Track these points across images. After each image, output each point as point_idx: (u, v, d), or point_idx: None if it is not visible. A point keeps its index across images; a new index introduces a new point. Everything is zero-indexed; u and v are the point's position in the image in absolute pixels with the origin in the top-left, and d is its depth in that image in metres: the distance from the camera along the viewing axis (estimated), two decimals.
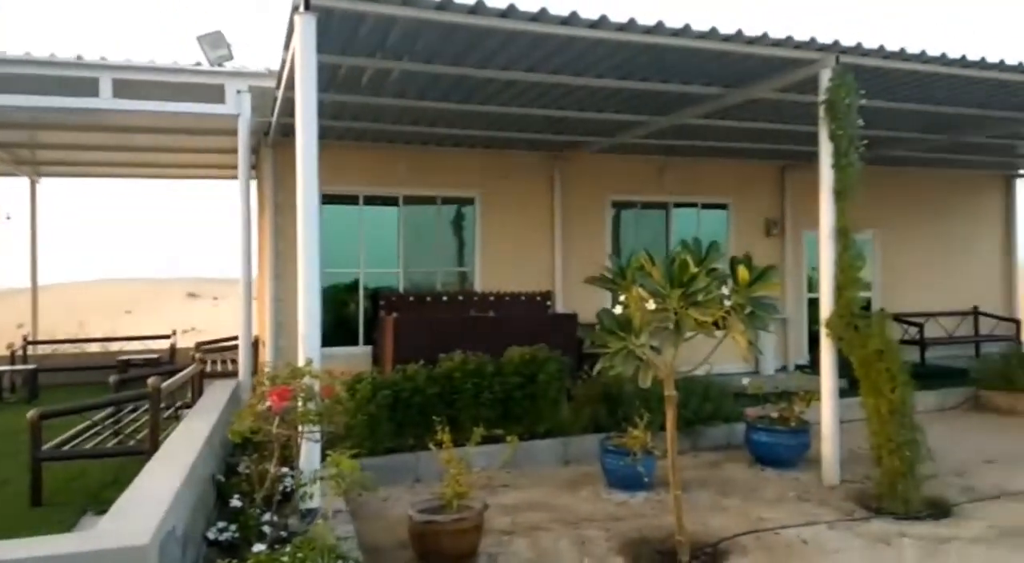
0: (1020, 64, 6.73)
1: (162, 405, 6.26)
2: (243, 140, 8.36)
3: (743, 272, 4.27)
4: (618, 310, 4.62)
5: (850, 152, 6.03)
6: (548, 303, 10.90)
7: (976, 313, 14.00)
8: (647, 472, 5.89)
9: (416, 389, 6.60)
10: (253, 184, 11.49)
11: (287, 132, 9.43)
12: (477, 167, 10.84)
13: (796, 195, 12.80)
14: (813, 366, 11.70)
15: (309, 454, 4.71)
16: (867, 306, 13.33)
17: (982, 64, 6.62)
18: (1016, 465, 6.61)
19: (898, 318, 13.08)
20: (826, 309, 6.22)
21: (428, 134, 9.67)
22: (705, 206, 12.38)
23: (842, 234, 6.11)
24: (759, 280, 4.31)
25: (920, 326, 12.59)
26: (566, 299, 10.97)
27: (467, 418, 6.79)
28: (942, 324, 13.60)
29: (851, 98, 5.99)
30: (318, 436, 4.54)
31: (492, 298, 10.48)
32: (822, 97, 6.14)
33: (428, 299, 10.37)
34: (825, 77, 6.13)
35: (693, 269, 4.30)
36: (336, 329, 10.48)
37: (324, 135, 9.64)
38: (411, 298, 10.29)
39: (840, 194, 6.10)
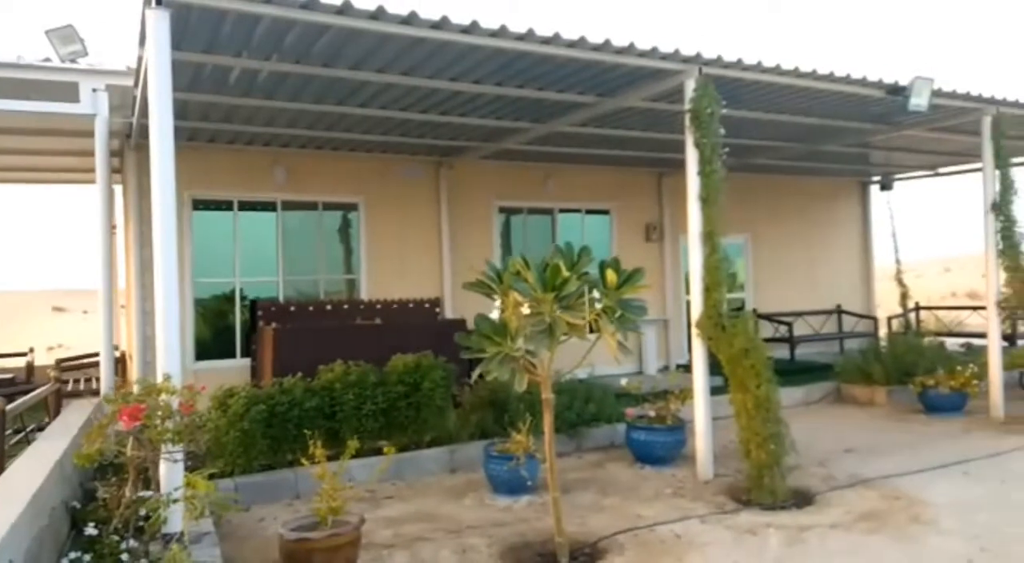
0: (864, 78, 7.26)
1: (11, 429, 5.74)
2: (100, 142, 7.80)
3: (611, 275, 4.36)
4: (495, 315, 4.62)
5: (714, 160, 6.30)
6: (437, 310, 10.80)
7: (840, 312, 15.02)
8: (530, 476, 5.91)
9: (293, 402, 6.35)
10: (120, 189, 10.83)
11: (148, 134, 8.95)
12: (360, 172, 10.63)
13: (673, 201, 13.30)
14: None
15: (169, 475, 4.42)
16: (741, 307, 14.09)
17: (830, 77, 7.10)
18: (871, 453, 7.08)
19: (769, 317, 13.85)
20: (696, 310, 6.46)
21: (306, 137, 9.40)
22: (589, 211, 12.67)
23: (708, 238, 6.37)
24: (627, 282, 4.41)
25: (789, 324, 13.34)
26: (455, 305, 10.92)
27: (349, 430, 6.61)
28: (809, 322, 14.50)
29: (713, 108, 6.26)
30: (179, 456, 4.28)
31: (379, 306, 10.28)
32: (687, 107, 6.39)
33: (311, 308, 10.02)
34: (689, 87, 6.39)
35: (565, 273, 4.35)
36: (213, 342, 10.00)
37: (193, 137, 9.29)
38: (292, 308, 9.91)
39: (706, 200, 6.37)
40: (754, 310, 14.03)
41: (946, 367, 9.09)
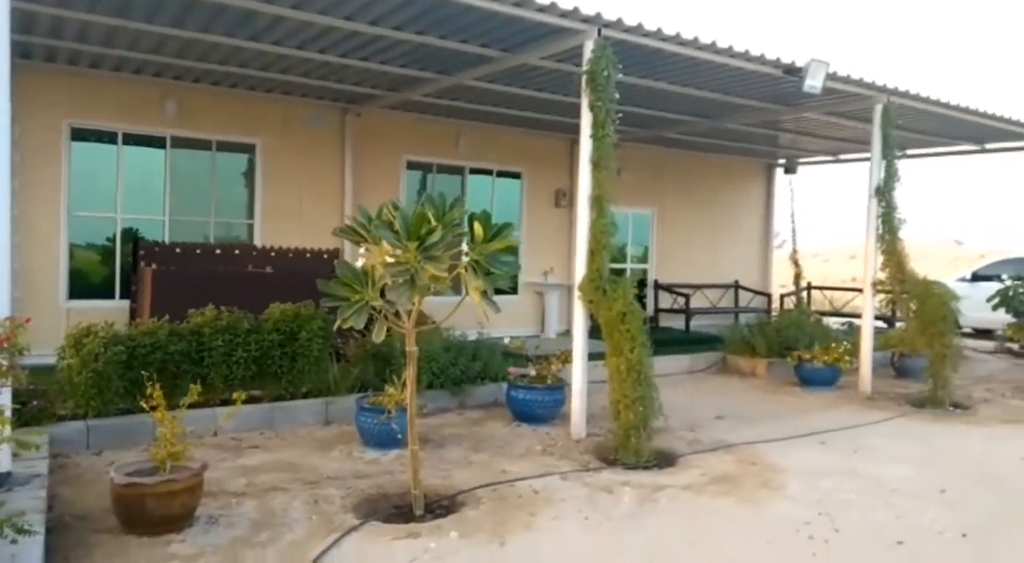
0: (762, 56, 7.36)
1: None
2: None
3: (479, 228, 4.27)
4: (360, 263, 4.48)
5: (607, 124, 6.27)
6: (336, 261, 10.48)
7: (737, 287, 15.51)
8: (401, 429, 5.82)
9: (156, 345, 6.05)
10: None
11: (26, 53, 8.27)
12: (258, 112, 10.16)
13: None
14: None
15: None
16: (643, 279, 14.37)
17: (729, 52, 7.17)
18: (740, 421, 7.34)
19: (669, 288, 14.18)
20: (580, 274, 6.47)
21: (199, 70, 8.87)
22: (500, 174, 12.55)
23: (596, 202, 6.37)
24: (496, 236, 4.33)
25: (687, 296, 13.68)
26: (355, 257, 10.64)
27: (218, 377, 6.38)
28: (708, 296, 14.92)
29: (610, 71, 6.21)
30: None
31: (273, 254, 9.88)
32: (584, 68, 6.32)
33: (198, 251, 9.51)
34: (588, 49, 6.31)
35: (432, 223, 4.23)
36: (90, 281, 9.46)
37: (74, 61, 8.63)
38: (177, 249, 9.37)
39: (596, 164, 6.35)
40: (655, 281, 14.33)
41: (823, 343, 9.50)
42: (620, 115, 6.43)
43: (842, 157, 14.80)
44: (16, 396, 5.49)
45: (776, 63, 7.62)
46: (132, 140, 9.54)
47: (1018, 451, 6.40)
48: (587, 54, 6.32)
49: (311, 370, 6.78)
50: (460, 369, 7.46)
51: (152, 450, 4.24)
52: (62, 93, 8.96)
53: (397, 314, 4.48)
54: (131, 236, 9.53)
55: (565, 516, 4.56)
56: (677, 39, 6.83)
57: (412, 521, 4.45)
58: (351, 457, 5.77)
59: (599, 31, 6.31)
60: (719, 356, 10.65)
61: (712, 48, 7.07)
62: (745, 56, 7.31)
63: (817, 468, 5.74)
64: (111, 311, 9.03)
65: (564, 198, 13.08)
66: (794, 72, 7.69)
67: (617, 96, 6.33)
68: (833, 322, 12.44)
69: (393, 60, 8.08)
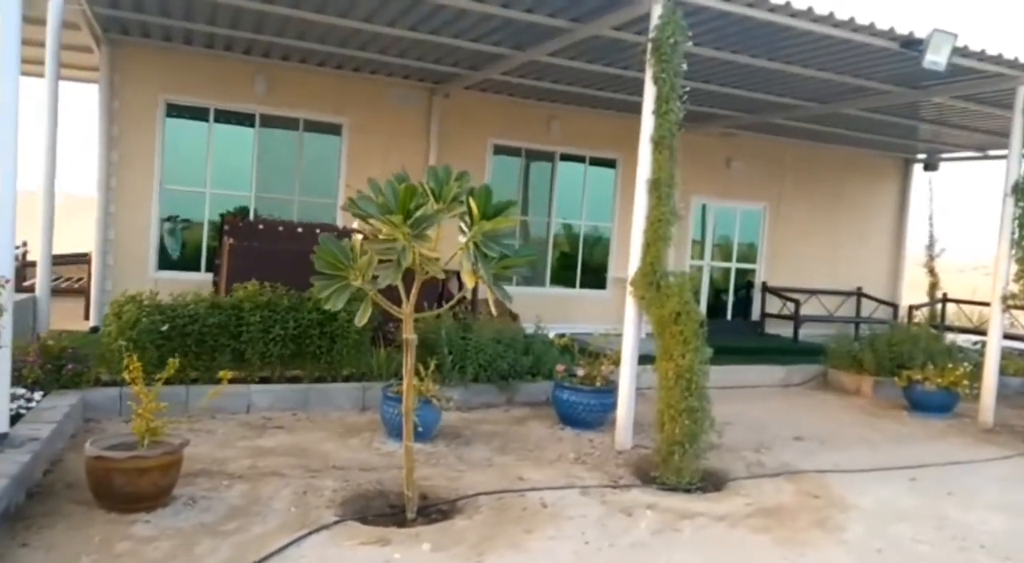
0: (872, 25, 6.35)
1: None
2: (53, 32, 7.45)
3: (475, 205, 3.79)
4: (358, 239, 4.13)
5: (671, 98, 5.59)
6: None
7: (859, 294, 14.04)
8: (423, 423, 5.46)
9: (194, 317, 6.02)
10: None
11: (124, 29, 8.59)
12: (346, 91, 10.12)
13: (687, 158, 12.37)
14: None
15: None
16: (751, 280, 13.28)
17: (830, 19, 6.24)
18: (821, 444, 6.43)
19: (778, 292, 13.02)
20: (634, 266, 5.83)
21: (287, 47, 8.88)
22: (593, 161, 11.91)
23: (656, 186, 5.71)
24: (497, 214, 3.84)
25: (796, 302, 12.49)
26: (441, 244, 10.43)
27: (255, 354, 6.28)
28: (824, 303, 13.58)
29: (677, 38, 5.52)
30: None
31: (353, 235, 9.85)
32: (650, 35, 5.66)
33: (280, 229, 9.57)
34: (655, 14, 5.64)
35: (428, 197, 3.81)
36: (179, 252, 9.80)
37: (168, 37, 8.89)
38: (261, 226, 9.51)
39: (658, 143, 5.68)
40: (764, 283, 13.21)
41: (943, 362, 8.24)
42: (687, 89, 5.72)
43: (991, 153, 12.97)
44: (53, 358, 5.62)
45: (891, 34, 6.58)
46: (223, 117, 9.76)
47: None
48: (654, 20, 5.65)
49: (351, 353, 6.56)
50: (508, 363, 7.01)
51: (132, 424, 4.09)
52: (158, 68, 9.26)
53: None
54: (221, 212, 9.77)
55: (564, 537, 4.01)
56: (766, 5, 6.01)
57: (397, 524, 4.07)
58: (369, 447, 5.48)
59: None
60: (819, 369, 9.55)
61: (809, 15, 6.18)
62: (851, 25, 6.34)
63: (894, 509, 4.84)
64: (196, 283, 9.22)
65: None
66: (913, 45, 6.61)
67: (684, 67, 5.63)
68: (966, 340, 10.91)
69: (463, 34, 7.71)
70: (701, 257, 12.98)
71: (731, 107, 10.48)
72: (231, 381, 6.26)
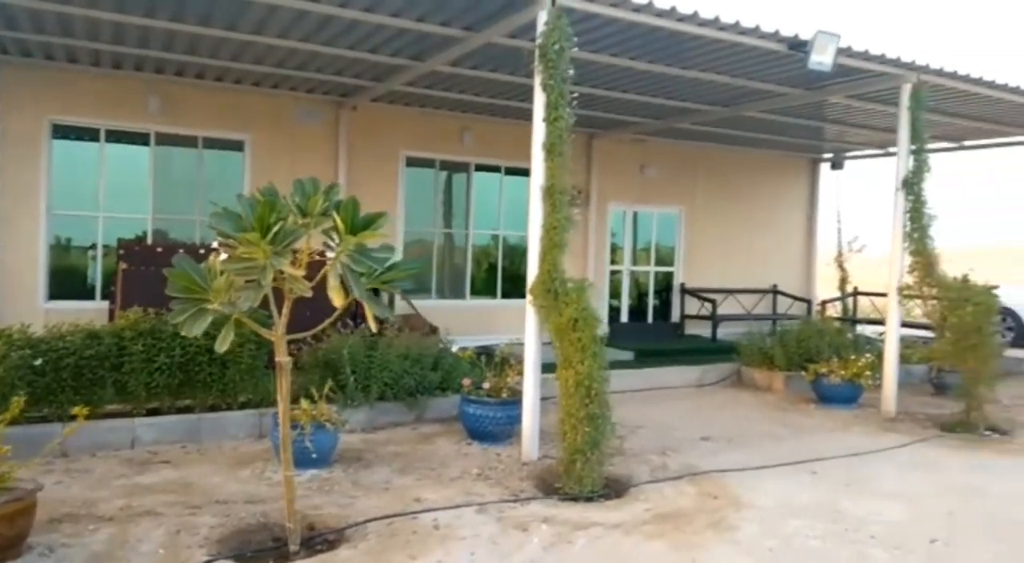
0: (758, 28, 6.46)
1: None
2: None
3: (340, 219, 3.63)
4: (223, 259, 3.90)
5: (560, 105, 5.53)
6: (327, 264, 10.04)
7: (775, 292, 14.35)
8: (316, 449, 5.24)
9: (70, 350, 5.65)
10: None
11: (3, 49, 8.11)
12: (247, 106, 9.79)
13: (603, 165, 12.56)
14: (611, 339, 11.53)
15: None
16: (669, 282, 13.44)
17: (715, 23, 6.30)
18: (728, 443, 6.47)
19: (696, 293, 13.20)
20: (533, 274, 5.74)
21: (183, 63, 8.53)
22: (509, 171, 11.86)
23: (549, 193, 5.63)
24: (365, 228, 3.68)
25: (713, 302, 12.69)
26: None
27: (139, 385, 5.94)
28: (742, 301, 13.83)
29: (562, 44, 5.47)
30: None
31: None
32: (537, 42, 5.60)
33: (181, 251, 9.23)
34: (541, 20, 5.59)
35: (291, 210, 3.63)
36: (71, 281, 9.28)
37: (51, 55, 8.42)
38: (159, 249, 9.09)
39: (549, 150, 5.61)
40: (682, 285, 13.37)
41: (846, 355, 8.44)
42: (576, 95, 5.67)
43: (891, 150, 13.47)
44: None
45: (777, 37, 6.71)
46: (115, 137, 9.31)
47: None
48: (540, 26, 5.61)
49: (245, 378, 6.27)
50: (415, 379, 6.84)
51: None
52: (42, 89, 8.78)
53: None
54: (117, 238, 9.30)
55: (451, 558, 3.86)
56: (653, 10, 6.04)
57: (277, 559, 3.86)
58: (260, 478, 5.22)
59: (553, 1, 5.57)
60: (733, 367, 9.68)
61: (695, 19, 6.24)
62: (737, 28, 6.43)
63: (792, 504, 4.86)
64: (90, 312, 8.77)
65: (580, 196, 12.27)
66: (799, 46, 6.76)
67: (572, 73, 5.59)
68: (875, 332, 11.24)
69: (359, 45, 7.54)
70: (622, 262, 13.08)
71: (640, 113, 10.59)
72: (112, 415, 6.01)
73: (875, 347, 9.12)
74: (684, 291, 13.31)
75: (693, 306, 13.24)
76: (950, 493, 5.20)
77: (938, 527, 4.49)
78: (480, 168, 11.63)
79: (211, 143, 9.80)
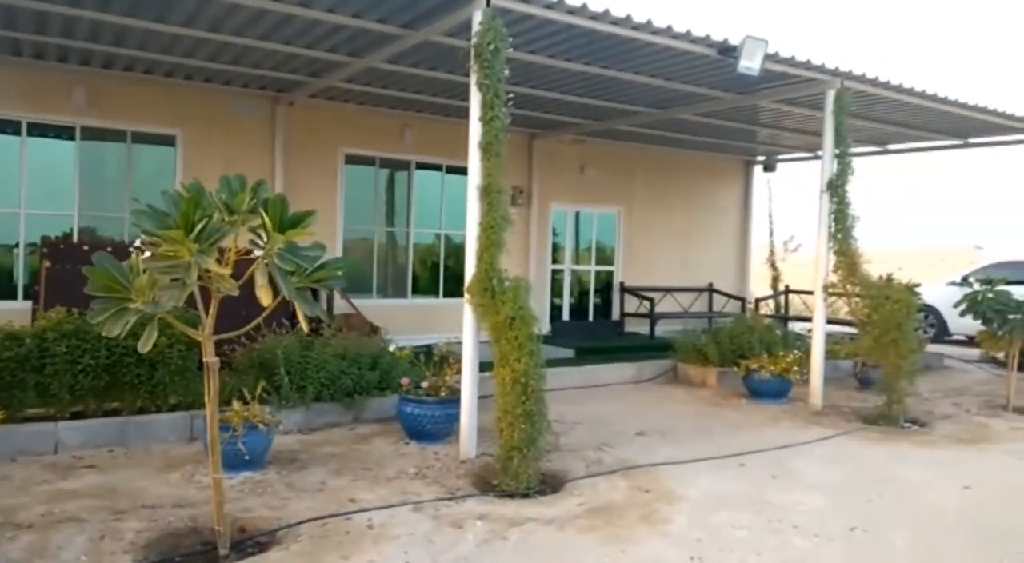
0: (688, 33, 6.63)
1: None
2: None
3: (267, 217, 3.58)
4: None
5: (496, 105, 5.56)
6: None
7: (711, 290, 14.71)
8: (250, 450, 5.15)
9: None
10: None
11: None
12: (178, 100, 9.52)
13: (544, 165, 12.65)
14: (553, 337, 11.63)
15: None
16: (609, 281, 13.64)
17: (648, 27, 6.45)
18: (662, 438, 6.61)
19: (635, 292, 13.42)
20: (470, 273, 5.76)
21: (110, 55, 8.23)
22: (450, 169, 11.83)
23: (486, 192, 5.66)
24: (294, 226, 3.64)
25: (651, 300, 12.93)
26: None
27: (62, 387, 5.73)
28: (679, 300, 14.13)
29: (498, 44, 5.51)
30: None
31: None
32: (472, 42, 5.63)
33: (109, 249, 8.91)
34: (476, 20, 5.62)
35: (217, 207, 3.56)
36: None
37: None
38: (85, 246, 8.76)
39: (486, 150, 5.64)
40: (621, 284, 13.58)
41: (776, 351, 8.71)
42: (512, 95, 5.71)
43: (819, 153, 13.92)
44: None
45: (708, 41, 6.88)
46: (37, 130, 8.95)
47: (962, 479, 5.60)
48: (475, 26, 5.63)
49: (175, 380, 6.11)
50: (352, 379, 6.78)
51: None
52: None
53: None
54: (42, 232, 8.93)
55: (385, 558, 3.86)
56: (587, 12, 6.12)
57: None
58: (190, 481, 5.10)
59: (488, 1, 5.60)
60: (670, 364, 9.88)
61: (629, 23, 6.35)
62: (669, 32, 6.59)
63: (721, 496, 5.00)
64: (12, 313, 8.41)
65: (521, 196, 12.36)
66: (728, 51, 6.95)
67: (507, 73, 5.63)
68: (804, 329, 11.63)
69: (294, 39, 7.43)
70: (563, 261, 13.21)
71: (579, 114, 10.71)
72: (34, 419, 5.78)
73: (804, 343, 9.44)
74: (624, 290, 13.52)
75: (633, 304, 13.46)
76: (869, 483, 5.43)
77: (857, 516, 4.69)
78: (421, 166, 11.58)
79: (141, 138, 9.51)
